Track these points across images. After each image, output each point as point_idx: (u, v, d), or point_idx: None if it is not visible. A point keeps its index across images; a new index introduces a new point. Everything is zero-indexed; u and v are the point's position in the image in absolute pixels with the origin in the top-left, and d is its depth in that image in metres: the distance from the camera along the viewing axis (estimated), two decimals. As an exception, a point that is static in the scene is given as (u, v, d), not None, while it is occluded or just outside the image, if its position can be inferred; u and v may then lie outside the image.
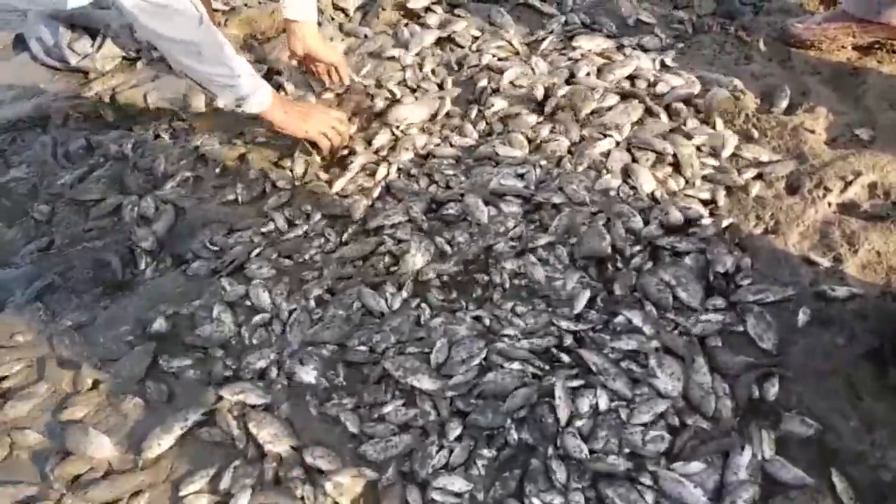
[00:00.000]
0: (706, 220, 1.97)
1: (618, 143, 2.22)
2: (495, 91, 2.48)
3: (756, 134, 2.23)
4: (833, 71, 2.43)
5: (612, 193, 2.06)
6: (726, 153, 2.16)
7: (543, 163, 2.18)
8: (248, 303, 1.91)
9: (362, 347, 1.78)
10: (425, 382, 1.67)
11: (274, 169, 2.29)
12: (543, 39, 2.71)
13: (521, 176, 2.14)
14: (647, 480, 1.49)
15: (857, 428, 1.52)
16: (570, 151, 2.22)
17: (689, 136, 2.21)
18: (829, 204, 2.01)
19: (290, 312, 1.87)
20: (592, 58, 2.55)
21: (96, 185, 2.35)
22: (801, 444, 1.51)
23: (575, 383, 1.63)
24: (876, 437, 1.51)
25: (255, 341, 1.84)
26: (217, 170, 2.32)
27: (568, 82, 2.47)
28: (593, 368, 1.65)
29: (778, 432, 1.52)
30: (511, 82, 2.50)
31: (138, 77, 2.73)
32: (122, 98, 2.64)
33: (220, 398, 1.71)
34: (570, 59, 2.56)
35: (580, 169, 2.15)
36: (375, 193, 2.18)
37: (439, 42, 2.76)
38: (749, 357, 1.65)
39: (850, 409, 1.56)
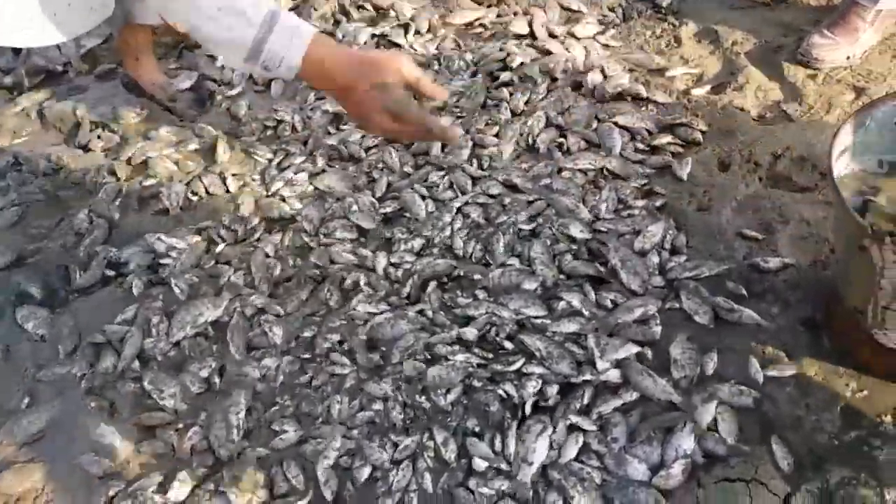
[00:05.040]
0: (640, 202, 1.99)
1: (553, 129, 2.24)
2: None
3: (687, 114, 2.26)
4: (760, 49, 2.48)
5: (547, 181, 2.07)
6: (657, 135, 2.20)
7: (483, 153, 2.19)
8: (185, 312, 1.87)
9: (305, 354, 1.77)
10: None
11: (206, 174, 2.25)
12: (477, 31, 2.73)
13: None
14: (593, 461, 1.50)
15: (793, 394, 1.56)
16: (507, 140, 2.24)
17: (618, 119, 2.23)
18: (760, 178, 2.06)
19: (229, 319, 1.85)
20: (525, 48, 2.56)
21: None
22: (740, 413, 1.54)
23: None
24: (811, 402, 1.54)
25: (194, 351, 1.81)
26: (149, 181, 2.27)
27: (501, 72, 2.48)
28: (536, 354, 1.65)
29: (718, 404, 1.55)
30: (448, 75, 2.51)
31: (65, 90, 2.66)
32: (50, 112, 2.57)
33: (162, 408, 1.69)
34: (502, 49, 2.57)
35: (518, 159, 2.16)
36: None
37: (374, 38, 2.75)
38: (686, 332, 1.67)
39: (786, 377, 1.59)
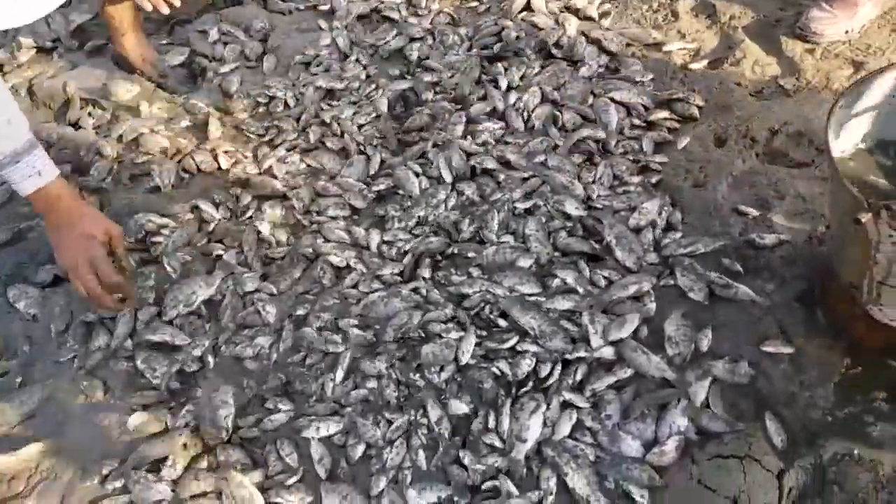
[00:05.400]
0: (636, 178, 1.98)
1: (549, 105, 2.22)
2: (426, 60, 2.46)
3: (684, 89, 2.24)
4: (758, 23, 2.45)
5: (542, 157, 2.05)
6: (654, 110, 2.18)
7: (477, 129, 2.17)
8: (178, 291, 1.85)
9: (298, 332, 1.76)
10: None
11: (198, 152, 2.23)
12: (472, 6, 2.70)
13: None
14: (586, 438, 1.50)
15: (787, 370, 1.55)
16: (500, 118, 2.21)
17: (615, 95, 2.20)
18: (757, 154, 2.04)
19: (222, 298, 1.84)
20: (520, 22, 2.53)
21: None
22: (735, 389, 1.54)
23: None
24: (805, 378, 1.54)
25: (188, 330, 1.80)
26: (141, 158, 2.25)
27: (496, 47, 2.45)
28: (530, 332, 1.64)
29: (713, 381, 1.54)
30: (443, 50, 2.48)
31: (56, 67, 2.63)
32: (41, 89, 2.53)
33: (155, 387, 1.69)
34: (497, 23, 2.54)
35: (512, 135, 2.15)
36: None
37: (367, 14, 2.72)
38: (681, 309, 1.66)
39: (781, 354, 1.59)
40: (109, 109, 2.44)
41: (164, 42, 2.69)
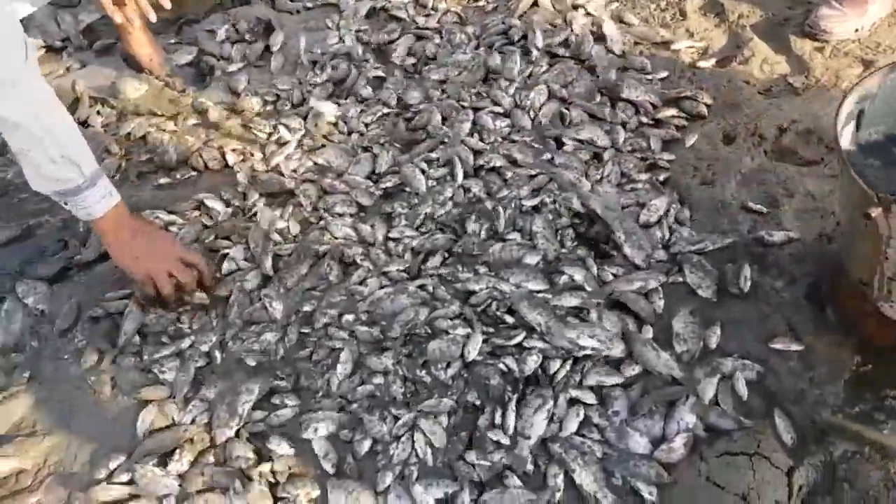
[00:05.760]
0: (644, 175, 1.97)
1: (556, 102, 2.22)
2: (432, 59, 2.46)
3: (692, 87, 2.23)
4: (766, 22, 2.44)
5: (549, 156, 2.04)
6: (662, 108, 2.17)
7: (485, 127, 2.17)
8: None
9: (305, 328, 1.76)
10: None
11: (205, 149, 2.23)
12: (479, 5, 2.70)
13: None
14: (594, 434, 1.50)
15: (796, 368, 1.54)
16: (507, 115, 2.21)
17: (622, 93, 2.20)
18: (766, 152, 2.03)
19: (229, 294, 1.84)
20: (527, 21, 2.53)
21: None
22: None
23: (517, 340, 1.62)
24: (814, 375, 1.53)
25: (194, 326, 1.80)
26: (148, 154, 2.26)
27: (504, 45, 2.45)
28: (537, 329, 1.63)
29: (721, 378, 1.53)
30: (450, 49, 2.48)
31: (64, 66, 2.64)
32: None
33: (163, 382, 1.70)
34: (504, 23, 2.53)
35: (519, 133, 2.14)
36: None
37: (374, 12, 2.72)
38: (689, 306, 1.66)
39: (789, 351, 1.58)
40: (118, 108, 2.44)
41: (173, 41, 2.70)
